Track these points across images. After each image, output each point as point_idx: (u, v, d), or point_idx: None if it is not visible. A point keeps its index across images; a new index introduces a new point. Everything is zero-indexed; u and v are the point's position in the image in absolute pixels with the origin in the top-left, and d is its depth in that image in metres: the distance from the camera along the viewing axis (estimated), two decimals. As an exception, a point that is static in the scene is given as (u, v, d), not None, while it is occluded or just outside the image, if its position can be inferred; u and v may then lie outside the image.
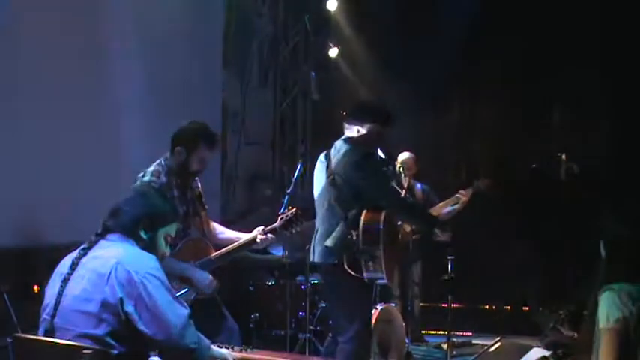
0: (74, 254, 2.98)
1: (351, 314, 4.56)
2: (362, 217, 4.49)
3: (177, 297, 2.93)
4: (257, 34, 8.25)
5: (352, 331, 4.52)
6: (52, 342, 2.82)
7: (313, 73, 8.52)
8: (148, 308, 2.78)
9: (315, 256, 4.66)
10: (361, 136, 4.63)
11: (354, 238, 4.45)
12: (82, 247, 2.99)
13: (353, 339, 4.52)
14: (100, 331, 2.78)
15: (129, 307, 2.77)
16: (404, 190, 5.79)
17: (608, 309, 3.13)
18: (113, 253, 2.89)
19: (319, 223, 4.67)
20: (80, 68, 5.54)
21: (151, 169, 4.33)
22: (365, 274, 4.47)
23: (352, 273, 4.47)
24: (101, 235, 3.00)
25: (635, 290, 3.15)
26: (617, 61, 8.33)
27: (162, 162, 4.36)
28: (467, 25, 8.56)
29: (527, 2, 8.66)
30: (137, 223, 3.01)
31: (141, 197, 3.11)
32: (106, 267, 2.83)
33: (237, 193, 7.75)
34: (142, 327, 2.78)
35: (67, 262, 2.98)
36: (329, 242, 4.51)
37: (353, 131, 4.64)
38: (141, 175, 4.33)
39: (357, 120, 4.65)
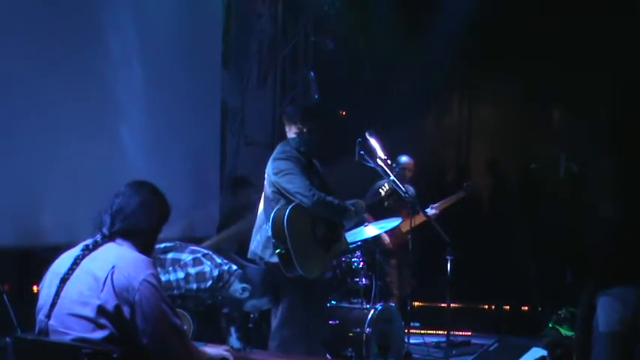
0: (74, 252, 2.89)
1: (281, 312, 4.79)
2: (275, 213, 4.63)
3: (172, 306, 2.87)
4: (257, 34, 8.24)
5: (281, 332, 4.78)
6: (52, 342, 2.79)
7: (313, 73, 8.50)
8: (143, 317, 2.73)
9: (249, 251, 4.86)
10: (292, 137, 4.89)
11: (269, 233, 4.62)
12: (84, 246, 2.89)
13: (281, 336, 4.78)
14: (96, 335, 2.73)
15: (125, 314, 2.72)
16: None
17: (607, 313, 3.15)
18: (110, 257, 2.81)
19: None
20: (80, 69, 5.55)
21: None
22: (283, 269, 4.61)
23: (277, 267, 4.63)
24: (110, 238, 2.89)
25: (631, 295, 3.17)
26: (617, 61, 8.34)
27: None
28: (467, 25, 8.56)
29: (528, 2, 8.66)
30: (152, 229, 2.94)
31: (154, 200, 2.98)
32: (103, 271, 2.76)
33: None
34: (138, 334, 2.74)
35: (64, 261, 2.89)
36: (257, 237, 4.75)
37: (290, 132, 4.92)
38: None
39: (287, 122, 4.95)
